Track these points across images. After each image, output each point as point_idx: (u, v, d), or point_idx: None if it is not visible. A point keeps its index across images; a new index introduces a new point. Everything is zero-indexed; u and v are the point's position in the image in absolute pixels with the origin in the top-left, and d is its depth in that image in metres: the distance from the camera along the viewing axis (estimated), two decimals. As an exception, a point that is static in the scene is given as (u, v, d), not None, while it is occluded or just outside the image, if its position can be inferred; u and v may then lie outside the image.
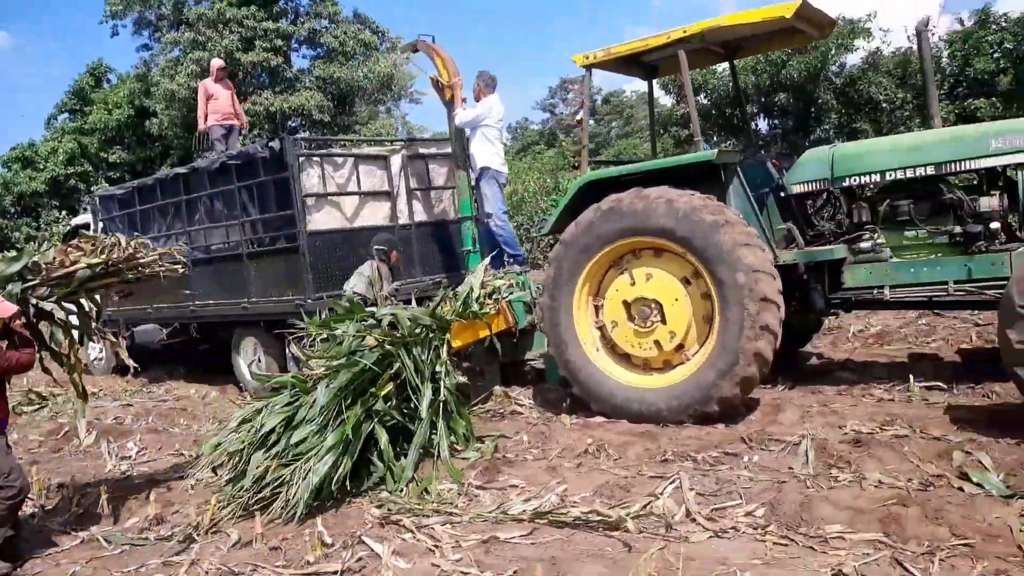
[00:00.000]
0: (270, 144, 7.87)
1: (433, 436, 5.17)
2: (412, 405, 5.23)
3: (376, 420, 4.91)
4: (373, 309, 5.80)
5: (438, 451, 5.08)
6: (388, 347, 5.34)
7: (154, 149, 27.11)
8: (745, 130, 14.23)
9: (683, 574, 3.21)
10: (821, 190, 5.77)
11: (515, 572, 3.39)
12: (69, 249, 4.62)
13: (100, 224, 10.38)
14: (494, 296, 6.54)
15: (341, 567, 3.62)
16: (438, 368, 5.51)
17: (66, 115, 29.26)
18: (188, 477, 4.99)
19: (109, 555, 4.22)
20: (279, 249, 7.94)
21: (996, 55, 15.73)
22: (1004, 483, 3.86)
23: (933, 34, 17.82)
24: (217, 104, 10.71)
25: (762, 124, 19.77)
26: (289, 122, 23.95)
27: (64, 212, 26.09)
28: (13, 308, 4.05)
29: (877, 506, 3.70)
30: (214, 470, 4.86)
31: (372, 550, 3.79)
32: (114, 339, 4.85)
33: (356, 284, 6.91)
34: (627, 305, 5.69)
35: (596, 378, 5.75)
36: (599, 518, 3.87)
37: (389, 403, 5.11)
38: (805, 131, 18.51)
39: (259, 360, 8.50)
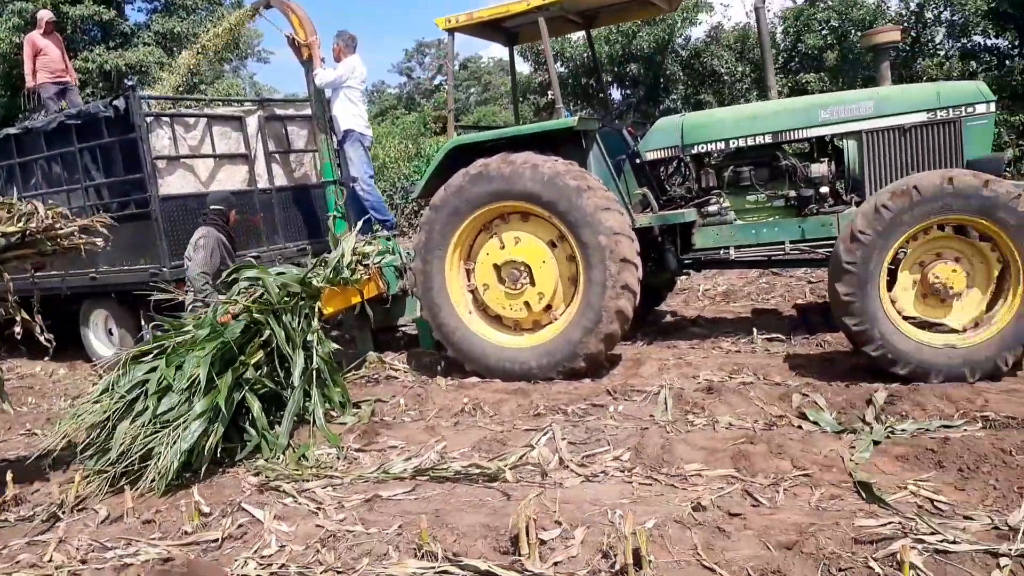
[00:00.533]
0: (114, 103, 7.37)
1: (308, 404, 5.14)
2: (285, 373, 5.17)
3: (247, 388, 4.83)
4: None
5: (314, 418, 5.06)
6: (256, 315, 5.25)
7: (-27, 108, 24.40)
8: (601, 99, 14.70)
9: (559, 515, 3.40)
10: (672, 157, 6.10)
11: (400, 526, 3.47)
12: None
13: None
14: (364, 262, 6.50)
15: (222, 534, 3.56)
16: (310, 336, 5.45)
17: None
18: (45, 455, 4.69)
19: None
20: (129, 215, 7.47)
21: (824, 32, 17.02)
22: (836, 420, 4.33)
23: (769, 11, 18.99)
24: (47, 60, 9.87)
25: (615, 93, 20.42)
26: (127, 80, 22.24)
27: None
28: None
29: (729, 445, 4.06)
30: (71, 444, 4.60)
31: (253, 516, 3.75)
32: (27, 314, 4.47)
33: (197, 261, 6.41)
34: (497, 268, 5.84)
35: (470, 340, 5.89)
36: (479, 471, 4.03)
37: (260, 371, 5.03)
38: (655, 101, 19.29)
39: (111, 333, 8.03)
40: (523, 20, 6.14)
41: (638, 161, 6.22)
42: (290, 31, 7.78)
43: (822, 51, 17.00)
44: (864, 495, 3.41)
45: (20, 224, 4.31)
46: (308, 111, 8.37)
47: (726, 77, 18.23)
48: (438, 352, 6.35)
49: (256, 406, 4.80)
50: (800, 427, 4.35)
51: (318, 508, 3.81)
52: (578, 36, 16.58)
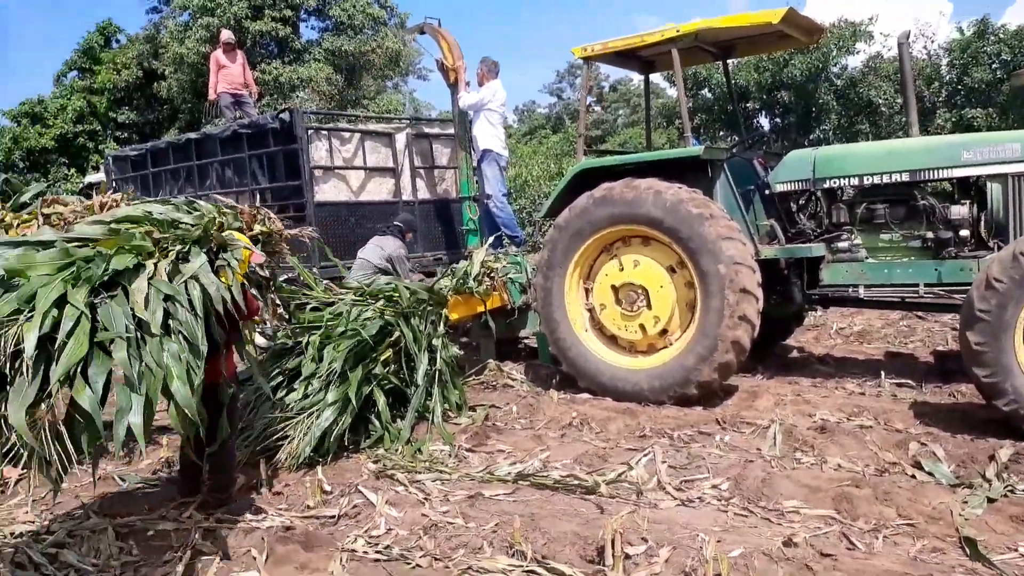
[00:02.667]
0: (280, 116, 8.14)
1: (428, 402, 5.49)
2: (410, 372, 5.54)
3: (375, 383, 5.23)
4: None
5: (432, 416, 5.40)
6: (388, 317, 5.67)
7: (162, 112, 27.20)
8: (738, 127, 14.48)
9: (648, 533, 3.51)
10: (803, 190, 6.01)
11: (496, 524, 3.69)
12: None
13: (113, 184, 10.63)
14: (491, 275, 6.83)
15: (338, 512, 3.93)
16: (435, 340, 5.81)
17: (75, 73, 29.23)
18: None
19: (121, 491, 4.52)
20: (287, 218, 8.18)
21: (994, 66, 15.90)
22: (953, 473, 4.15)
23: (932, 42, 17.99)
24: (227, 73, 10.98)
25: (764, 121, 19.93)
26: (297, 93, 24.06)
27: (73, 170, 26.18)
28: (263, 256, 4.24)
29: (833, 486, 3.98)
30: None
31: (367, 499, 4.10)
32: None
33: (406, 273, 7.07)
34: (615, 289, 5.97)
35: (584, 357, 6.05)
36: (577, 482, 4.19)
37: (388, 368, 5.43)
38: (806, 130, 18.69)
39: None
40: (658, 50, 6.28)
41: (767, 192, 6.18)
42: (440, 56, 8.32)
43: (991, 86, 15.88)
44: (968, 552, 3.29)
45: (268, 226, 4.84)
46: (452, 130, 8.88)
47: (883, 108, 17.40)
48: (554, 366, 6.55)
49: (382, 400, 5.19)
50: (913, 476, 4.19)
51: (426, 499, 4.11)
52: (727, 62, 16.42)
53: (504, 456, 4.82)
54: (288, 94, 23.44)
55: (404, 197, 8.80)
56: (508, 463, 4.63)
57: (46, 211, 4.51)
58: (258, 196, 8.54)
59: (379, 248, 7.19)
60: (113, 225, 3.48)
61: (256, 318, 4.56)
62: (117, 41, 29.65)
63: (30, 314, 2.70)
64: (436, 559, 3.43)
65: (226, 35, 11.43)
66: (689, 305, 5.74)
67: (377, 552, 3.51)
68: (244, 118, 9.85)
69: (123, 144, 25.46)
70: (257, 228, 4.62)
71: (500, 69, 8.28)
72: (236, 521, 3.86)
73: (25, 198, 4.79)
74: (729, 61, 7.29)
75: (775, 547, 3.35)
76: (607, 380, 5.94)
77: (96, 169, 22.05)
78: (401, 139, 8.85)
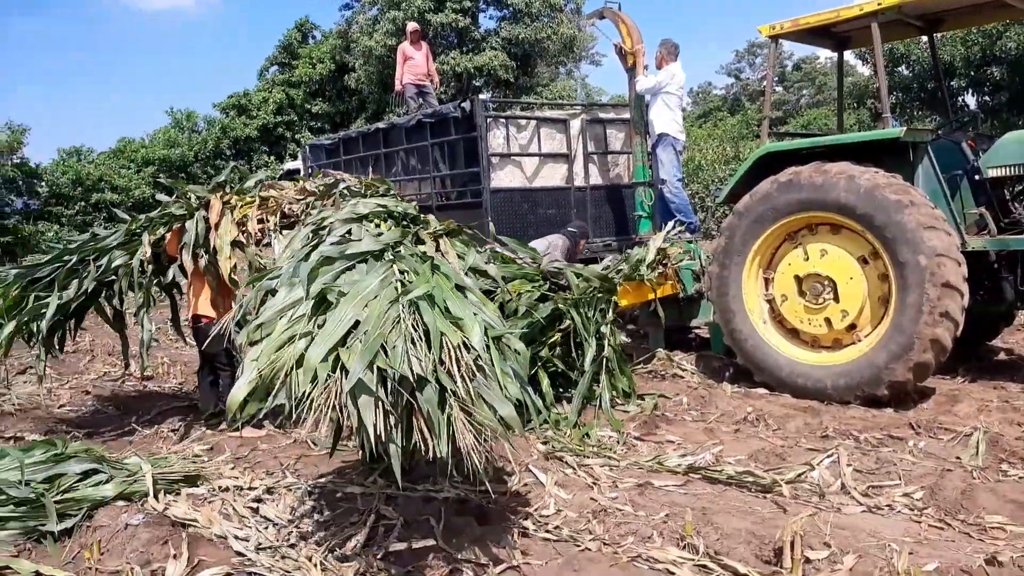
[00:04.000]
0: (461, 105, 8.40)
1: (595, 388, 5.49)
2: (577, 357, 5.56)
3: (539, 365, 5.33)
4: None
5: (600, 402, 5.40)
6: (559, 304, 5.72)
7: (351, 103, 29.00)
8: (942, 107, 13.23)
9: (831, 539, 3.33)
10: (1020, 175, 5.44)
11: (666, 515, 3.65)
12: None
13: (309, 170, 11.48)
14: (664, 262, 6.70)
15: (509, 489, 4.05)
16: (603, 327, 5.80)
17: (276, 68, 31.82)
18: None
19: (315, 454, 4.92)
20: (464, 203, 8.50)
21: None
22: None
23: None
24: (412, 65, 11.47)
25: (971, 100, 18.10)
26: (474, 81, 24.76)
27: (272, 157, 28.59)
28: None
29: (1046, 503, 3.62)
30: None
31: (537, 479, 4.19)
32: None
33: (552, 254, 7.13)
34: (799, 280, 5.69)
35: (762, 350, 5.81)
36: (752, 479, 4.05)
37: (554, 352, 5.50)
38: (1021, 110, 16.76)
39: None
40: (855, 25, 5.86)
41: (977, 178, 5.63)
42: (618, 40, 8.24)
43: None
44: None
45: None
46: (626, 115, 8.79)
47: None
48: (727, 358, 6.35)
49: (545, 382, 5.29)
50: None
51: (594, 483, 4.13)
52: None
53: (674, 447, 4.75)
54: (465, 83, 24.17)
55: (576, 183, 8.82)
56: (678, 454, 4.56)
57: (264, 195, 4.97)
58: (439, 182, 8.91)
59: (547, 242, 7.25)
60: (395, 227, 3.85)
61: None
62: (313, 37, 31.94)
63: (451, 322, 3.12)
64: (605, 544, 3.44)
65: (412, 25, 11.92)
66: (882, 299, 5.35)
67: (547, 532, 3.57)
68: (427, 107, 10.27)
69: (316, 133, 27.45)
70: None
71: (680, 51, 8.08)
72: (415, 490, 4.06)
73: (249, 184, 5.30)
74: (935, 35, 6.69)
75: (976, 565, 3.10)
76: (786, 375, 5.68)
77: (293, 157, 23.94)
78: (576, 125, 8.86)
